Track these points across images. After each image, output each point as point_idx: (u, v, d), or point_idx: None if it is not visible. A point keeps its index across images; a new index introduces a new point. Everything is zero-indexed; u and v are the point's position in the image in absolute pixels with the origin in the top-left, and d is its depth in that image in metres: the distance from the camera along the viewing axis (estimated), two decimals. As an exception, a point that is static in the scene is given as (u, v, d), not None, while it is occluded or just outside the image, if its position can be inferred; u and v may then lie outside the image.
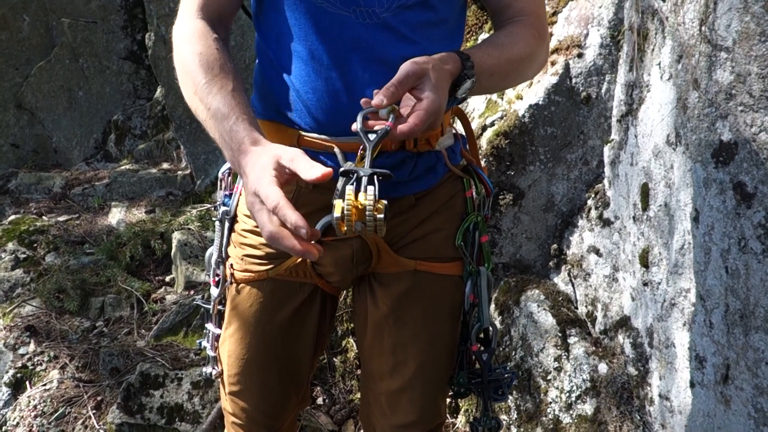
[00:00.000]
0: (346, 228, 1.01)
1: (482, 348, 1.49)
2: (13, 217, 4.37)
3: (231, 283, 1.48)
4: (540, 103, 2.33)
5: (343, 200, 1.01)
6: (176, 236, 3.73)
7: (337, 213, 1.01)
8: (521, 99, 2.41)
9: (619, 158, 2.13)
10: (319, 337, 1.52)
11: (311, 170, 1.03)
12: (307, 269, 1.41)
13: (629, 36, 2.05)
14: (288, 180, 1.06)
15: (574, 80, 2.32)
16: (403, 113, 1.13)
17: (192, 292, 3.43)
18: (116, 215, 4.38)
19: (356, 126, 1.11)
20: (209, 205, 4.24)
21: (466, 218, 1.44)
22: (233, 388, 1.51)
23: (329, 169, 1.02)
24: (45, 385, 2.86)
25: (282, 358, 1.48)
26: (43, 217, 4.43)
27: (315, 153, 1.27)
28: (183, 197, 4.61)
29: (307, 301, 1.45)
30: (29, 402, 2.79)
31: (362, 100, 1.13)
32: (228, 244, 1.50)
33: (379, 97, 1.09)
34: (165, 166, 5.12)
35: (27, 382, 2.90)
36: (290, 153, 1.07)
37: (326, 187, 1.16)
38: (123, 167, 5.21)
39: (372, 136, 1.10)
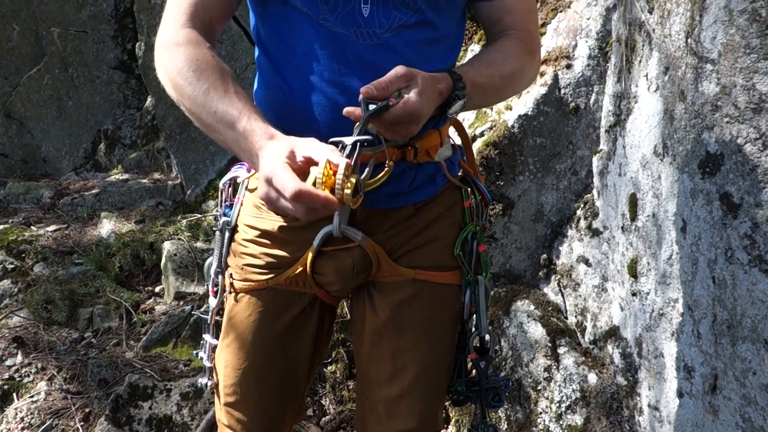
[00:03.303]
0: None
1: (479, 356, 1.50)
2: (1, 227, 4.34)
3: (230, 292, 1.48)
4: (529, 113, 2.34)
5: (318, 168, 1.03)
6: (166, 246, 3.72)
7: (308, 182, 1.02)
8: (510, 109, 2.42)
9: (607, 168, 2.14)
10: (316, 347, 1.52)
11: (328, 153, 1.03)
12: (307, 279, 1.41)
13: (617, 47, 2.06)
14: (301, 168, 1.05)
15: (562, 91, 2.34)
16: None
17: (181, 303, 3.41)
18: (106, 225, 4.36)
19: (360, 97, 1.14)
20: (199, 215, 4.23)
21: (464, 228, 1.45)
22: (229, 399, 1.50)
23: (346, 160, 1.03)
24: (32, 396, 2.84)
25: (280, 368, 1.48)
26: (32, 227, 4.40)
27: None
28: (173, 207, 4.59)
29: (305, 310, 1.45)
30: (16, 414, 2.76)
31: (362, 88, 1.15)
32: (228, 254, 1.50)
33: (370, 87, 1.12)
34: (155, 175, 5.10)
35: (14, 394, 2.88)
36: (304, 141, 1.09)
37: None
38: (113, 177, 5.19)
39: (372, 107, 1.13)
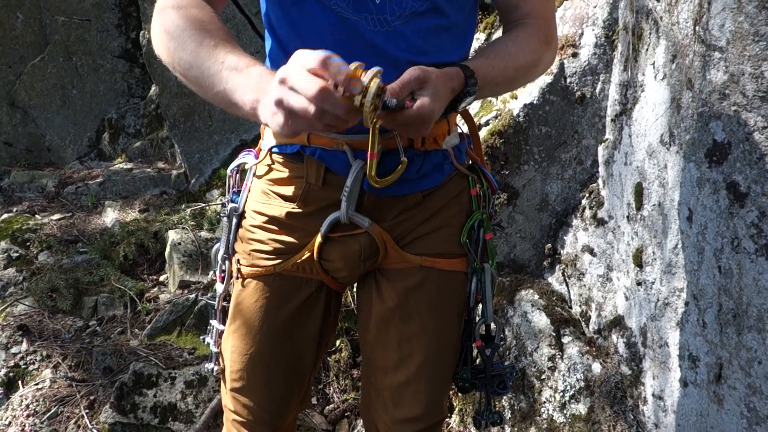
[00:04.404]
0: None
1: (485, 344, 1.51)
2: (5, 215, 4.35)
3: (237, 278, 1.49)
4: (534, 102, 2.33)
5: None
6: (170, 235, 3.72)
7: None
8: (516, 98, 2.41)
9: (613, 158, 2.13)
10: (322, 334, 1.52)
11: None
12: (314, 265, 1.42)
13: (624, 36, 2.05)
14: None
15: (568, 80, 2.32)
16: None
17: (185, 292, 3.42)
18: (110, 214, 4.36)
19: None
20: (203, 204, 4.23)
21: (471, 216, 1.46)
22: (236, 384, 1.51)
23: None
24: (37, 384, 2.85)
25: (286, 354, 1.48)
26: (36, 216, 4.41)
27: (325, 151, 1.32)
28: (177, 196, 4.60)
29: (312, 296, 1.46)
30: (21, 401, 2.77)
31: None
32: (235, 240, 1.51)
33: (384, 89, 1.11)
34: (159, 164, 5.10)
35: (19, 382, 2.89)
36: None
37: (333, 184, 1.31)
38: (117, 166, 5.20)
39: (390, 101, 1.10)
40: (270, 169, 1.43)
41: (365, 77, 1.02)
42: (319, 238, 1.38)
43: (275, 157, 1.42)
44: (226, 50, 1.15)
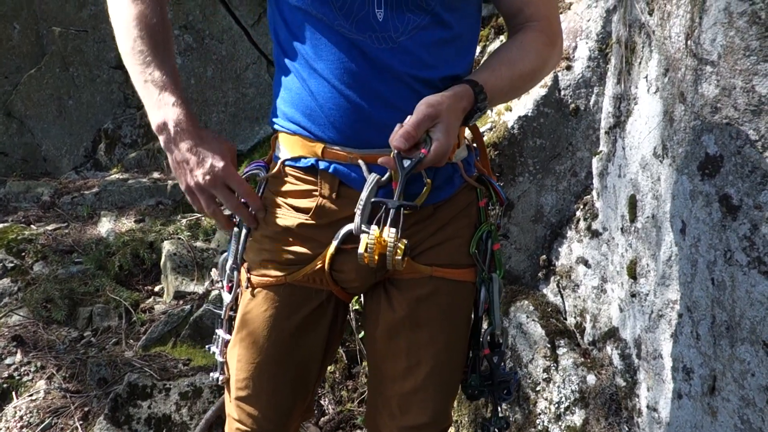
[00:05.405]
0: (368, 260, 1.16)
1: (491, 351, 1.53)
2: (0, 225, 4.34)
3: (247, 287, 1.49)
4: (529, 114, 2.35)
5: (368, 236, 1.17)
6: (166, 246, 3.72)
7: (361, 248, 1.15)
8: (510, 110, 2.42)
9: (607, 170, 2.14)
10: (329, 344, 1.53)
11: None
12: (325, 275, 1.42)
13: (617, 49, 2.07)
14: None
15: (562, 92, 2.34)
16: None
17: (181, 302, 3.42)
18: (105, 224, 4.36)
19: (392, 153, 1.21)
20: (199, 215, 4.23)
21: (479, 227, 1.48)
22: (241, 393, 1.51)
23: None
24: (31, 395, 2.84)
25: (293, 363, 1.49)
26: (32, 226, 4.40)
27: (339, 165, 1.34)
28: (173, 206, 4.59)
29: (320, 306, 1.47)
30: (15, 413, 2.76)
31: (391, 140, 1.21)
32: (245, 249, 1.52)
33: (402, 141, 1.19)
34: (155, 175, 5.10)
35: (13, 393, 2.88)
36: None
37: (347, 197, 1.34)
38: (113, 176, 5.20)
39: (407, 163, 1.20)
40: (283, 182, 1.44)
41: (389, 242, 1.16)
42: (331, 250, 1.39)
43: (288, 170, 1.43)
44: (156, 63, 1.34)
